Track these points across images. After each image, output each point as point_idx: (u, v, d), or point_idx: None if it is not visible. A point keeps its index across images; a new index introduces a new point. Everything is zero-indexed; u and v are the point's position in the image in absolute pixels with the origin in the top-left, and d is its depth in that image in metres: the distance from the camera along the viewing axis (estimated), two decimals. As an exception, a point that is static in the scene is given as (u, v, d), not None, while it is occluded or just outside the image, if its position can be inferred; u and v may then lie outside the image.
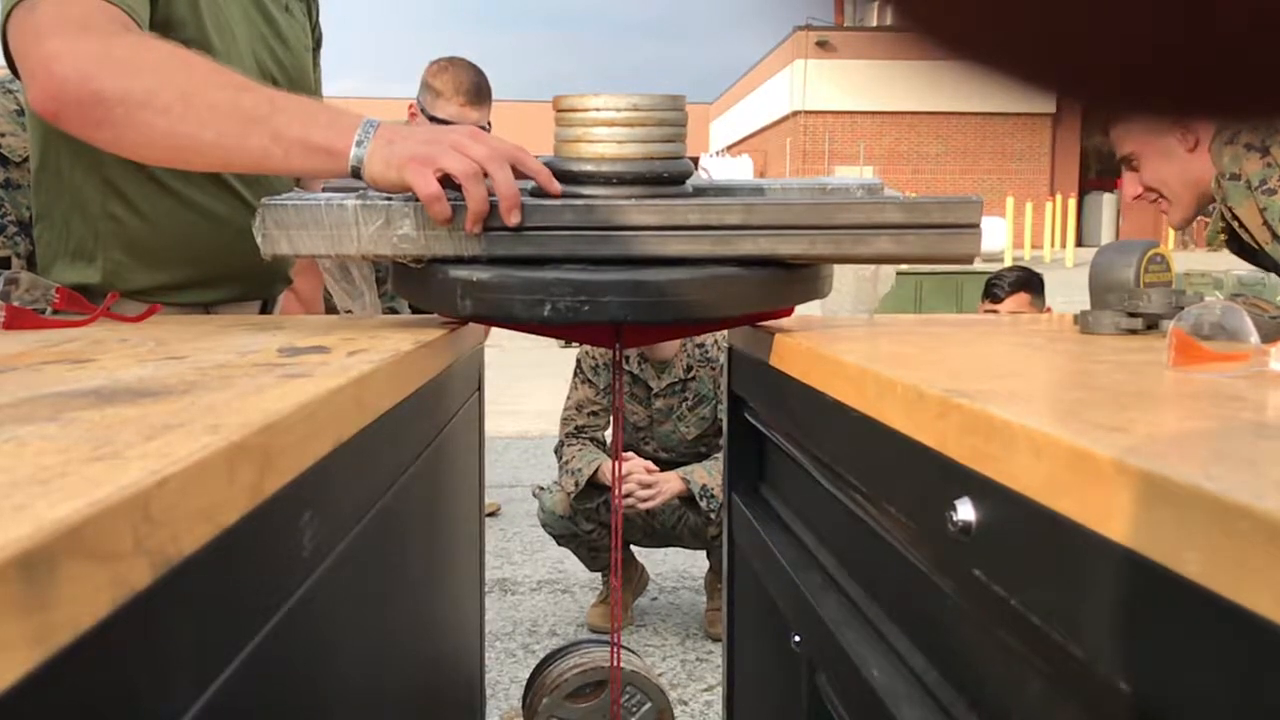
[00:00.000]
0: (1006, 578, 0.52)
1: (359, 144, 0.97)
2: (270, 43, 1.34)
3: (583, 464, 2.76)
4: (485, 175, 0.95)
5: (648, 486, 2.67)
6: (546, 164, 1.01)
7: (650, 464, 2.73)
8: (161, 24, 1.15)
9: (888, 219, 0.97)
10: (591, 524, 2.79)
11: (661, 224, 0.95)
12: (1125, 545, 0.41)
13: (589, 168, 1.01)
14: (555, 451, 2.92)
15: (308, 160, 1.00)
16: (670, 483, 2.69)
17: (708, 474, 2.70)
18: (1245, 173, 1.51)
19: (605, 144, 1.01)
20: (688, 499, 2.73)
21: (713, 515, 2.67)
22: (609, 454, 2.81)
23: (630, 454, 2.79)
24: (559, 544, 2.88)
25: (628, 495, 2.64)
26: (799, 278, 1.02)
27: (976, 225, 0.99)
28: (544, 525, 2.85)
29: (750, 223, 0.96)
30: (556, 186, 1.00)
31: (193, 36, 1.17)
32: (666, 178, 1.02)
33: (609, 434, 2.94)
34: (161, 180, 1.22)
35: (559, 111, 1.04)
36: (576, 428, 2.88)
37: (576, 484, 2.74)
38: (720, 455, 2.73)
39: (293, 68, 1.37)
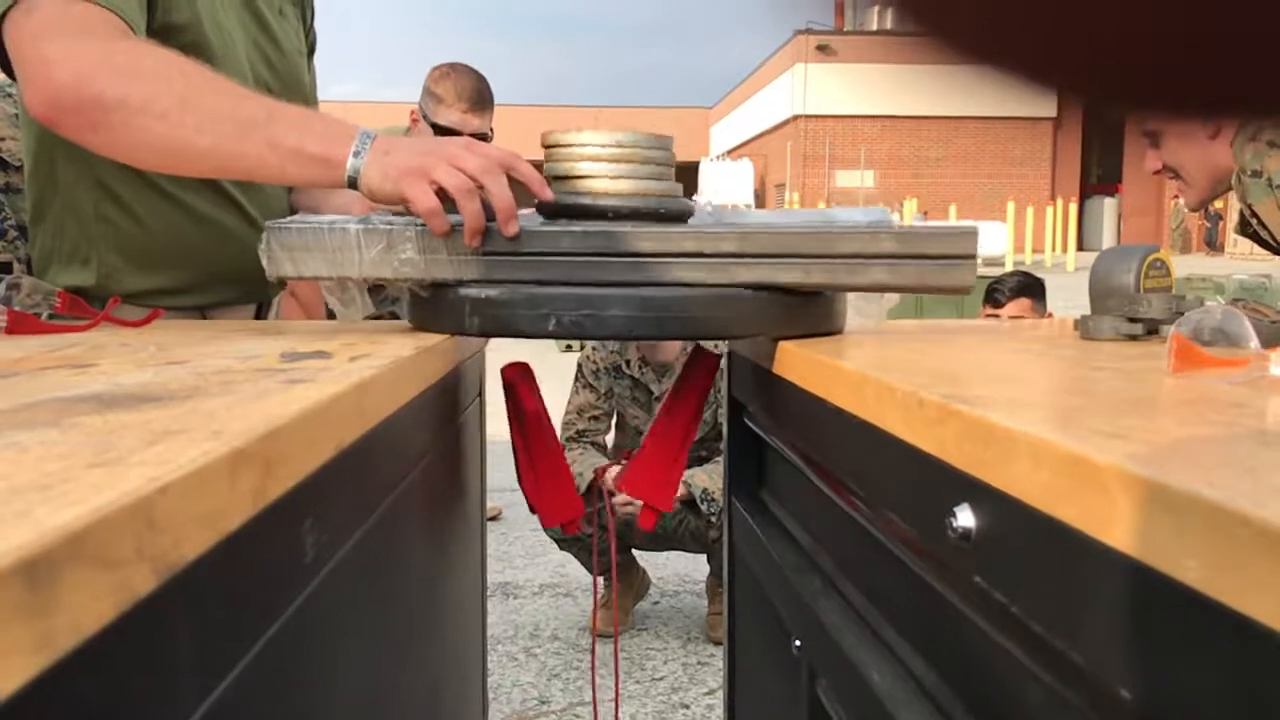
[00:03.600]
0: (1006, 584, 0.52)
1: (356, 154, 0.98)
2: (264, 48, 1.34)
3: (584, 468, 2.76)
4: (481, 188, 0.95)
5: None
6: (541, 206, 1.03)
7: None
8: (161, 29, 1.15)
9: (883, 249, 0.98)
10: (593, 528, 2.79)
11: (659, 251, 0.97)
12: (1125, 552, 0.41)
13: (586, 201, 1.03)
14: None
15: (303, 169, 1.00)
16: None
17: (708, 478, 2.70)
18: (1267, 170, 1.51)
19: (600, 179, 1.03)
20: (688, 502, 2.73)
21: (713, 519, 2.67)
22: (610, 458, 2.81)
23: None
24: (560, 548, 2.88)
25: (629, 503, 2.64)
26: (810, 304, 1.02)
27: (972, 256, 1.00)
28: (545, 529, 2.85)
29: (746, 251, 0.97)
30: (548, 193, 1.01)
31: (192, 40, 1.18)
32: (664, 214, 1.04)
33: (609, 438, 2.96)
34: (155, 183, 1.22)
35: (547, 148, 1.07)
36: (577, 432, 2.89)
37: (578, 488, 2.74)
38: (720, 459, 2.74)
39: (285, 72, 1.37)
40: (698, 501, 2.69)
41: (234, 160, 1.01)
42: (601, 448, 2.90)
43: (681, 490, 2.70)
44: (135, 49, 1.05)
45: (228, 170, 1.06)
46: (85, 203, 1.22)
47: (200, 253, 1.27)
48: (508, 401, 1.20)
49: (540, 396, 1.22)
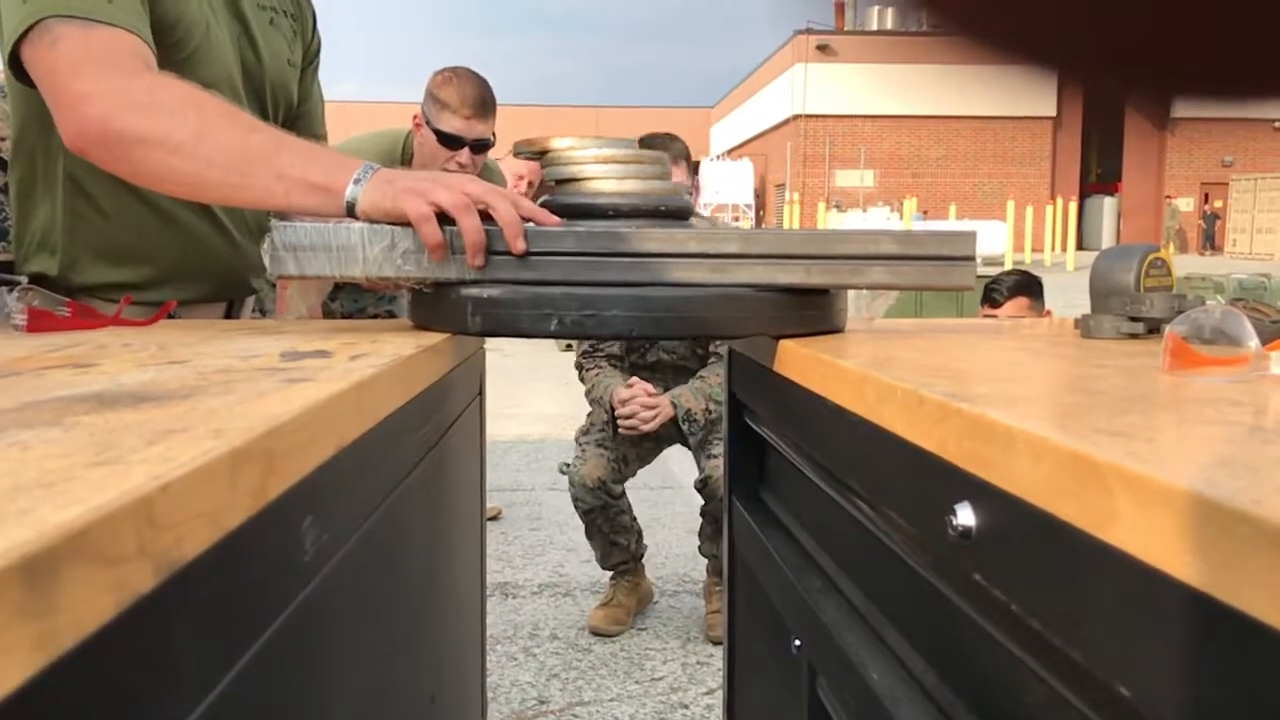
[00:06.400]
0: (1006, 582, 0.52)
1: (356, 182, 1.01)
2: (244, 51, 1.34)
3: (601, 391, 2.88)
4: (487, 208, 0.97)
5: (650, 408, 2.80)
6: (544, 203, 1.04)
7: (649, 387, 2.84)
8: (152, 26, 1.17)
9: (883, 250, 1.00)
10: (620, 488, 2.84)
11: (661, 251, 0.97)
12: (1124, 550, 0.41)
13: (586, 200, 1.04)
14: (575, 366, 3.03)
15: (307, 198, 1.03)
16: (665, 407, 2.83)
17: (693, 397, 2.82)
18: None
19: (601, 180, 1.05)
20: (674, 422, 2.85)
21: (692, 441, 2.84)
22: (621, 370, 2.92)
23: (634, 379, 2.86)
24: (586, 523, 2.84)
25: (632, 416, 2.76)
26: (810, 304, 1.03)
27: (971, 257, 1.01)
28: (575, 500, 2.82)
29: (748, 251, 0.98)
30: (556, 221, 1.02)
31: (179, 39, 1.22)
32: (664, 211, 1.05)
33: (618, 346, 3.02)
34: (123, 179, 1.23)
35: (543, 153, 1.09)
36: (592, 345, 2.97)
37: (604, 410, 2.84)
38: (707, 370, 2.87)
39: (265, 79, 1.38)
40: (680, 421, 2.81)
41: (242, 191, 1.05)
42: (617, 358, 2.98)
43: (669, 410, 2.80)
44: (155, 84, 1.09)
45: (237, 200, 1.10)
46: (56, 194, 1.25)
47: (163, 249, 1.29)
48: None
49: None
